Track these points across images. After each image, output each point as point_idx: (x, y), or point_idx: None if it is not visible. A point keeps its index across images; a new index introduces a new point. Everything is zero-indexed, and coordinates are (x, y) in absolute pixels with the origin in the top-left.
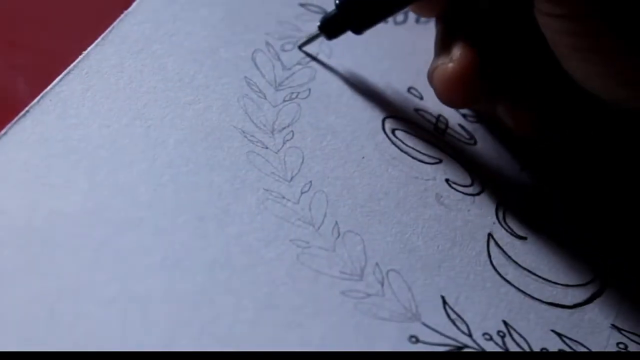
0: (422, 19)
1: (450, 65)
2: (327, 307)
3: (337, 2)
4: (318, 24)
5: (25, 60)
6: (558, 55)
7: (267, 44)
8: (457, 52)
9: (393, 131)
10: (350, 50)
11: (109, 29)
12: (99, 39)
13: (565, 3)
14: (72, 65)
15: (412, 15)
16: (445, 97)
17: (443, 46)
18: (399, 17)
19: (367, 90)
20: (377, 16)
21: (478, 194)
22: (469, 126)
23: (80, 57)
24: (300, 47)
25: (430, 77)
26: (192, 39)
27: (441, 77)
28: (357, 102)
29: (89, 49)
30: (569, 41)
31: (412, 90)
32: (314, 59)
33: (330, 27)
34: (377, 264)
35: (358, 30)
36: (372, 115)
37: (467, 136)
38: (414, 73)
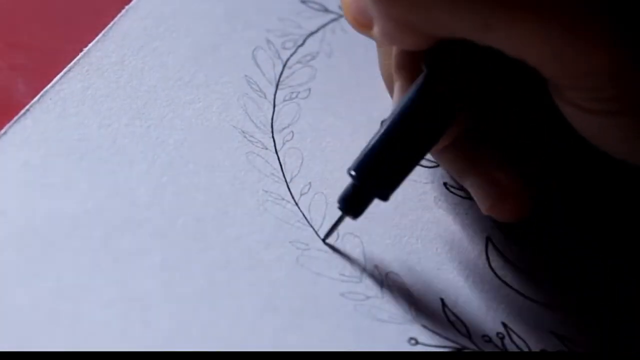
0: None
1: (507, 203)
2: (326, 309)
3: (353, 172)
4: (338, 205)
5: (25, 60)
6: (591, 140)
7: (268, 41)
8: (505, 181)
9: None
10: (351, 51)
11: (109, 24)
12: (100, 35)
13: (617, 99)
14: (72, 63)
15: None
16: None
17: (475, 170)
18: None
19: (366, 92)
20: (403, 173)
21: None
22: None
23: (81, 54)
24: (324, 240)
25: (490, 213)
26: (193, 35)
27: (502, 214)
28: (356, 103)
29: (89, 45)
30: (610, 132)
31: None
32: (337, 250)
33: (354, 204)
34: (376, 266)
35: (385, 197)
36: (370, 117)
37: None
38: None
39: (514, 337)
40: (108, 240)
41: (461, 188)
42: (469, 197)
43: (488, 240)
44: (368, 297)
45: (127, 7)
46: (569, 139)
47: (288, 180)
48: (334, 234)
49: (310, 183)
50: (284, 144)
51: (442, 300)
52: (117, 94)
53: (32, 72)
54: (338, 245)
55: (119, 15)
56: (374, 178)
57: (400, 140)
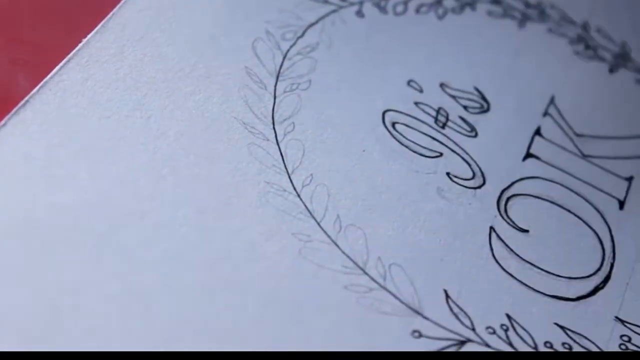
0: (422, 9)
1: None
2: (329, 301)
3: None
4: None
5: (24, 52)
6: None
7: (268, 32)
8: None
9: (393, 124)
10: (350, 42)
11: (109, 15)
12: (99, 26)
13: None
14: (72, 53)
15: (411, 6)
16: None
17: None
18: (399, 7)
19: (366, 83)
20: None
21: (479, 187)
22: (470, 118)
23: (80, 44)
24: None
25: None
26: (192, 26)
27: None
28: (356, 94)
29: (88, 36)
30: None
31: (412, 84)
32: None
33: None
34: (379, 257)
35: None
36: (372, 108)
37: (468, 128)
38: (413, 66)
39: (518, 329)
40: (109, 232)
41: (464, 179)
42: (472, 187)
43: (492, 231)
44: (371, 290)
45: None
46: None
47: (290, 171)
48: (337, 226)
49: (312, 175)
50: (285, 135)
51: (445, 292)
52: (117, 85)
53: (31, 64)
54: (340, 237)
55: (118, 6)
56: None
57: None
